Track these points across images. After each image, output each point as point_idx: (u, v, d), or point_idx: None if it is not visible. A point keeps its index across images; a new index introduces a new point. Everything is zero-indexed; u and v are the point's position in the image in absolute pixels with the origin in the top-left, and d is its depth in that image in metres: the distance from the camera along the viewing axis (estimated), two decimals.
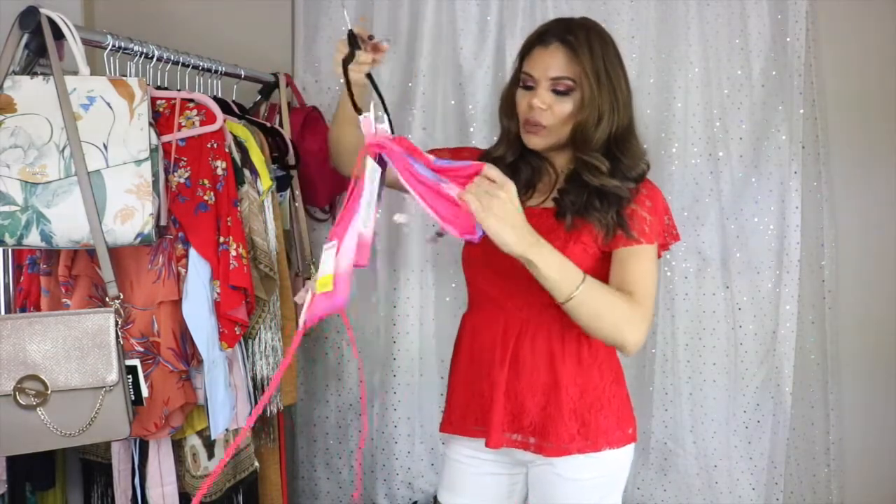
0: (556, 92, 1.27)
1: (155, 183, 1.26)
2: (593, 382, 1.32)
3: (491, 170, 1.04)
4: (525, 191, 1.36)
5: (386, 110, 1.09)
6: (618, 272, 1.26)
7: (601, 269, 1.28)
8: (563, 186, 1.32)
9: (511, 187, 1.05)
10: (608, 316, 1.20)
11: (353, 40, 1.18)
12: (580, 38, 1.27)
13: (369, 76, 1.22)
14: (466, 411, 1.39)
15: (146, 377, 1.33)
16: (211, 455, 1.50)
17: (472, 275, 1.41)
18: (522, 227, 1.08)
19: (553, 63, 1.27)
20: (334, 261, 0.93)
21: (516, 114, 1.34)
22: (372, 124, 1.02)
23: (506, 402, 1.33)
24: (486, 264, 1.35)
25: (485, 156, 1.40)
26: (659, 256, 1.36)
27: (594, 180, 1.26)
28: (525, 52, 1.33)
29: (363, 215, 0.96)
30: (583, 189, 1.28)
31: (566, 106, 1.27)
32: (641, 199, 1.29)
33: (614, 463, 1.35)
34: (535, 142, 1.31)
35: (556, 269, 1.13)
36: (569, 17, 1.36)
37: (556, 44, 1.28)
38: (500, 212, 1.03)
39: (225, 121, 1.40)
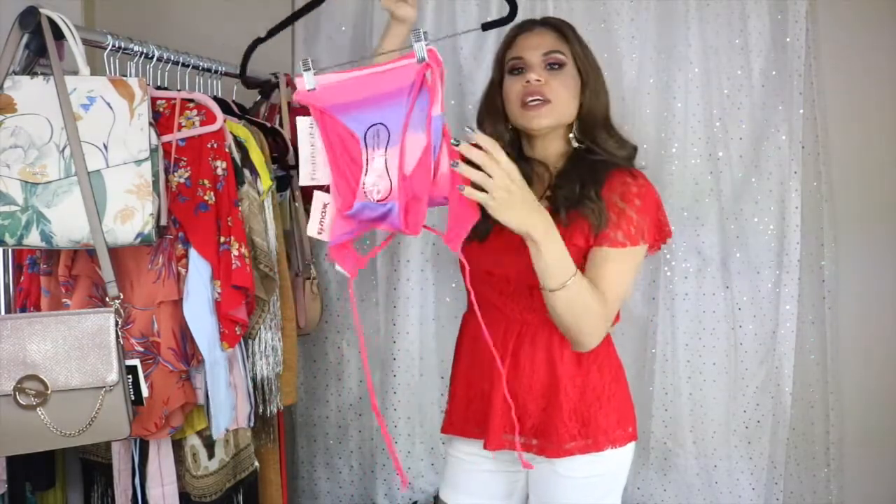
0: (550, 67, 1.30)
1: (155, 183, 1.26)
2: (593, 382, 1.32)
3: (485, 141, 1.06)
4: None
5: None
6: (593, 269, 1.26)
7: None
8: (555, 182, 1.32)
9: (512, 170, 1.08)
10: (581, 315, 1.21)
11: None
12: (558, 23, 1.36)
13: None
14: (467, 413, 1.39)
15: (146, 377, 1.32)
16: (211, 455, 1.50)
17: (469, 280, 1.40)
18: (525, 204, 1.10)
19: (542, 41, 1.32)
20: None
21: (504, 116, 1.35)
22: (305, 82, 1.06)
23: (506, 405, 1.32)
24: (482, 269, 1.34)
25: None
26: (651, 252, 1.36)
27: (602, 154, 1.31)
28: (506, 46, 1.37)
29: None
30: (574, 182, 1.28)
31: (561, 80, 1.30)
32: (631, 197, 1.27)
33: (614, 461, 1.35)
34: (540, 121, 1.30)
35: (555, 255, 1.15)
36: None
37: (541, 27, 1.35)
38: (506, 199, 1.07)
39: (225, 121, 1.40)
